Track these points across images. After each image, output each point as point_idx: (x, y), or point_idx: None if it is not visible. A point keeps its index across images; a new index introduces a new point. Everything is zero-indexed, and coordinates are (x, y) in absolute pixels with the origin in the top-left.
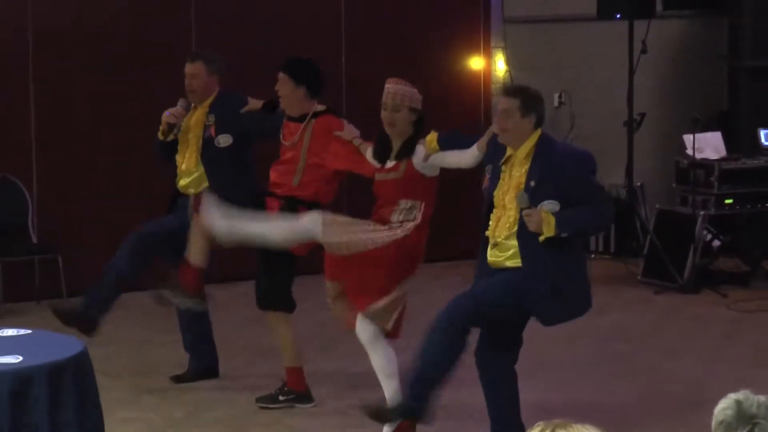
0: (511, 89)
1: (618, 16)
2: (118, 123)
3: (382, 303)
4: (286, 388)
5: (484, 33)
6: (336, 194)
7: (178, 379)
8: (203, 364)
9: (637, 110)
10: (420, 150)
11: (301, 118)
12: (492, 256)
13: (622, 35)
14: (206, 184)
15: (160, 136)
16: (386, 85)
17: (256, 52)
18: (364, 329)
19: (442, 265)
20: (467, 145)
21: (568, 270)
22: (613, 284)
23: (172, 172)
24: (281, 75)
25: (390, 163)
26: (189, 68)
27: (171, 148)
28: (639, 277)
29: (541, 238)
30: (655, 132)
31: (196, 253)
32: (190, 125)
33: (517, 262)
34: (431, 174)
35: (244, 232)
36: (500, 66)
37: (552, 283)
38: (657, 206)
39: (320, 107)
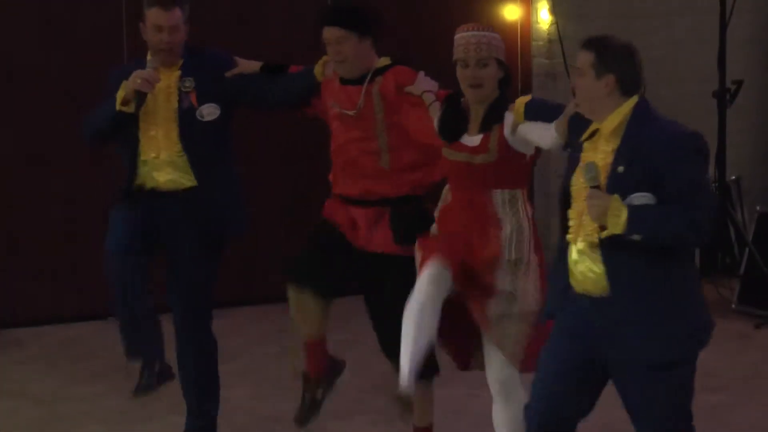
0: (588, 40)
1: None
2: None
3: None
4: None
5: None
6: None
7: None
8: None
9: (731, 76)
10: (508, 118)
11: (359, 79)
12: (579, 264)
13: None
14: (189, 177)
15: (120, 107)
16: (460, 35)
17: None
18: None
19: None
20: (555, 118)
21: (669, 293)
22: None
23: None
24: (336, 31)
25: (472, 140)
26: (166, 18)
27: (120, 126)
28: (734, 305)
29: (604, 234)
30: (756, 107)
31: (308, 324)
32: (156, 96)
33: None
34: (530, 152)
35: None
36: (543, 16)
37: (645, 312)
38: (758, 208)
39: (384, 60)
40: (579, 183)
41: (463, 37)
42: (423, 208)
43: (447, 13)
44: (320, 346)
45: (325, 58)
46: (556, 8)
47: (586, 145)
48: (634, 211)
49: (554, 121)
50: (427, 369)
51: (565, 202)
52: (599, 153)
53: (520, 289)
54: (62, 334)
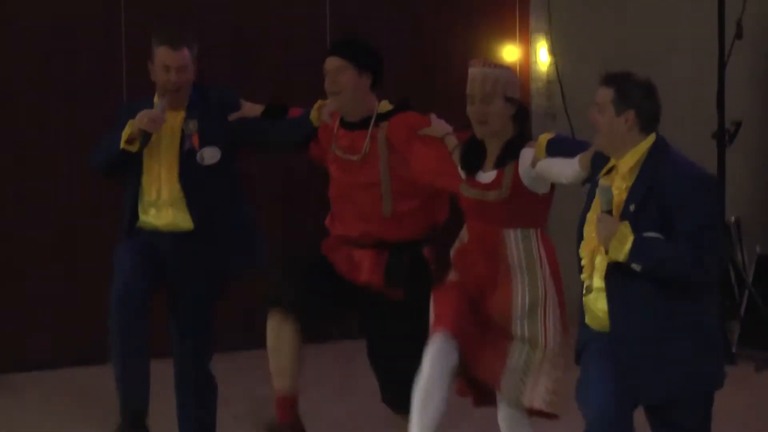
0: (608, 76)
1: None
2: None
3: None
4: None
5: (521, 11)
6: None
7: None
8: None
9: (729, 117)
10: (527, 155)
11: (362, 123)
12: (599, 302)
13: (710, 14)
14: (186, 218)
15: (125, 146)
16: (470, 69)
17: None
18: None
19: None
20: (576, 153)
21: (679, 328)
22: None
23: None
24: (336, 61)
25: (487, 176)
26: (174, 58)
27: (124, 164)
28: (734, 348)
29: (607, 259)
30: (755, 147)
31: (282, 376)
32: (162, 135)
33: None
34: (543, 190)
35: None
36: (543, 56)
37: (649, 348)
38: (758, 250)
39: (385, 104)
40: (592, 220)
41: (471, 72)
42: (419, 256)
43: (447, 53)
44: (292, 402)
45: (320, 102)
46: (555, 49)
47: (602, 180)
48: (640, 241)
49: (579, 155)
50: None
51: (580, 238)
52: (614, 189)
53: (539, 333)
54: (59, 379)
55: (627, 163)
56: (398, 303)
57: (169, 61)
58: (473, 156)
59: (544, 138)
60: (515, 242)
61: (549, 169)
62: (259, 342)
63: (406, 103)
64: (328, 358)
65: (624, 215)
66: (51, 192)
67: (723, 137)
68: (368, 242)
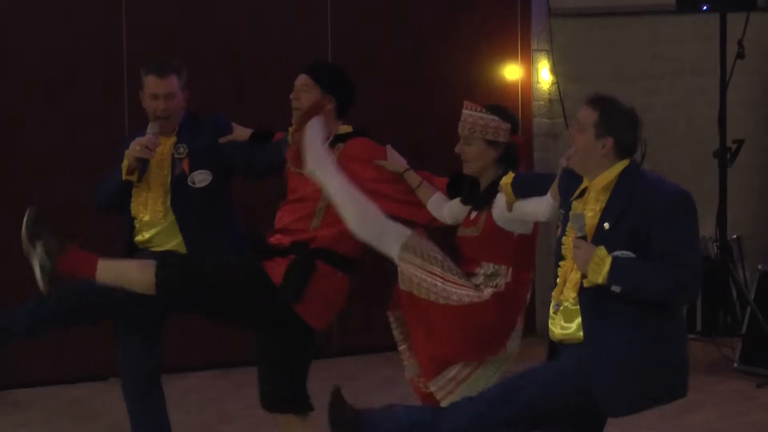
0: (594, 98)
1: (705, 8)
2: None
3: (448, 375)
4: None
5: (523, 31)
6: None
7: None
8: None
9: (731, 136)
10: (499, 200)
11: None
12: (556, 326)
13: (711, 34)
14: (177, 239)
15: (126, 177)
16: (462, 110)
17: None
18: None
19: None
20: (547, 187)
21: (651, 343)
22: (702, 374)
23: (122, 223)
24: (305, 79)
25: (471, 215)
26: (159, 86)
27: (127, 193)
28: (736, 365)
29: (585, 283)
30: (757, 166)
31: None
32: (150, 162)
33: None
34: (518, 230)
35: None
36: (544, 76)
37: (623, 363)
38: (760, 267)
39: (345, 128)
40: (568, 242)
41: (462, 112)
42: (308, 264)
43: (449, 73)
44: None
45: (294, 125)
46: (556, 68)
47: (575, 204)
48: (618, 263)
49: (550, 189)
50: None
51: (557, 260)
52: (588, 211)
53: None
54: (63, 396)
55: (599, 183)
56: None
57: (157, 89)
58: (469, 192)
59: (506, 181)
60: (484, 277)
61: (524, 210)
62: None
63: (364, 130)
64: (329, 375)
65: (597, 235)
66: (54, 208)
67: (724, 156)
68: (295, 244)
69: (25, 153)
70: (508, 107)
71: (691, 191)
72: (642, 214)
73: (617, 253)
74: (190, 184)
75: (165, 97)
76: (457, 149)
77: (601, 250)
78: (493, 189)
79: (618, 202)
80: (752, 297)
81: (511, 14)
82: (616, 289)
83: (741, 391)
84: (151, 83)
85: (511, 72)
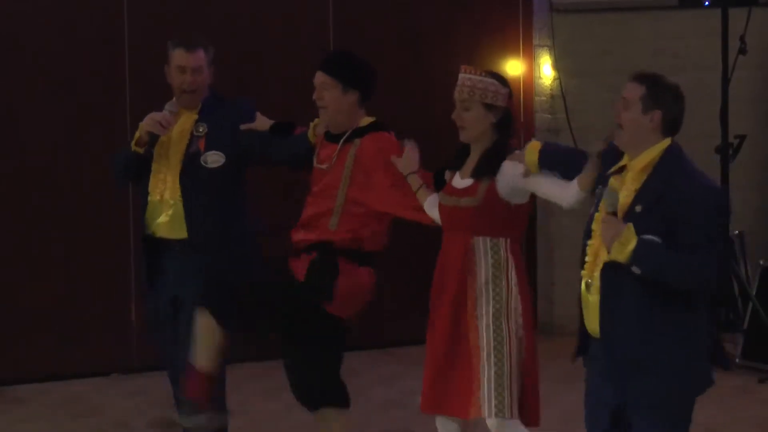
0: (640, 74)
1: (707, 3)
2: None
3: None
4: None
5: (524, 27)
6: (387, 238)
7: None
8: None
9: (733, 131)
10: (509, 168)
11: (341, 136)
12: (589, 310)
13: (713, 30)
14: (183, 231)
15: (134, 147)
16: (459, 75)
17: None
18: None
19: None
20: (576, 167)
21: (669, 331)
22: None
23: (136, 208)
24: (323, 77)
25: (464, 182)
26: (189, 59)
27: (143, 166)
28: (738, 360)
29: (606, 258)
30: (758, 161)
31: (202, 354)
32: (172, 137)
33: None
34: (520, 201)
35: None
36: (546, 71)
37: (637, 349)
38: (761, 263)
39: (366, 119)
40: (599, 219)
41: (459, 77)
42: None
43: (450, 68)
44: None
45: (316, 120)
46: (558, 64)
47: (611, 180)
48: (643, 244)
49: (577, 177)
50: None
51: (587, 236)
52: (624, 190)
53: (504, 341)
54: (64, 391)
55: (639, 163)
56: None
57: (184, 62)
58: (458, 157)
59: (533, 149)
60: (484, 252)
61: (542, 188)
62: (260, 355)
63: (381, 124)
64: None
65: (628, 216)
66: (55, 205)
67: (726, 151)
68: (316, 244)
69: (26, 152)
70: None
71: None
72: (676, 204)
73: (644, 237)
74: (202, 162)
75: (192, 71)
76: (454, 116)
77: (629, 229)
78: (494, 156)
79: (655, 186)
80: (754, 292)
81: (513, 10)
82: (636, 270)
83: (742, 386)
84: (179, 56)
85: (513, 67)
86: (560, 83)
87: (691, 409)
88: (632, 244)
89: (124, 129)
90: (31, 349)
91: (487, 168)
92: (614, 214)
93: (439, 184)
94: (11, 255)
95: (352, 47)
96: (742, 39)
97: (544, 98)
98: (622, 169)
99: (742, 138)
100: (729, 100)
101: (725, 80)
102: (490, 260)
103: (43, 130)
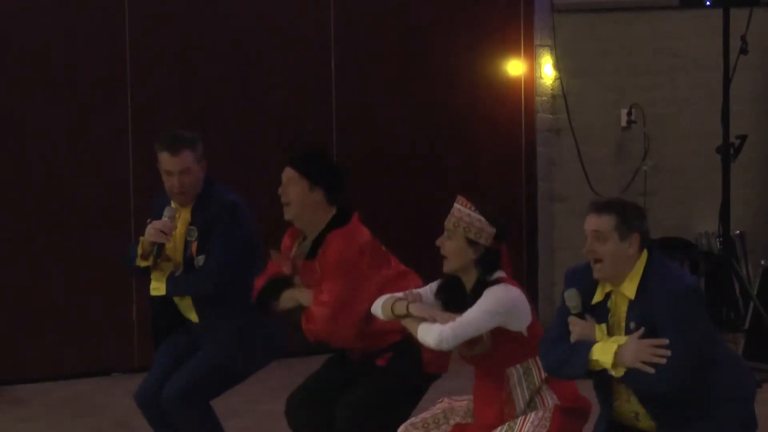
0: (600, 204)
1: (708, 3)
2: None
3: None
4: None
5: (526, 27)
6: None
7: None
8: None
9: (734, 132)
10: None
11: (313, 249)
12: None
13: (714, 30)
14: (195, 317)
15: (141, 263)
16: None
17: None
18: None
19: None
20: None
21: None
22: None
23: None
24: (291, 173)
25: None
26: (173, 163)
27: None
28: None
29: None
30: (760, 162)
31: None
32: (175, 241)
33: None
34: (525, 324)
35: None
36: (547, 71)
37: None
38: (763, 263)
39: (328, 215)
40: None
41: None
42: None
43: (451, 69)
44: None
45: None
46: (559, 64)
47: (598, 309)
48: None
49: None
50: None
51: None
52: (618, 313)
53: None
54: (64, 391)
55: (630, 288)
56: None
57: (170, 167)
58: (451, 295)
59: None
60: (518, 380)
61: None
62: None
63: (348, 210)
64: None
65: (627, 333)
66: (55, 205)
67: (728, 151)
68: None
69: (26, 152)
70: (499, 216)
71: (694, 187)
72: (655, 312)
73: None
74: (196, 266)
75: (179, 173)
76: (438, 242)
77: (601, 330)
78: (478, 295)
79: (641, 302)
80: (755, 292)
81: (514, 10)
82: (617, 374)
83: None
84: (164, 160)
85: (514, 67)
86: (561, 83)
87: None
88: (612, 352)
89: (124, 129)
90: (32, 349)
91: (470, 305)
92: (579, 315)
93: (445, 287)
94: (12, 255)
95: (353, 47)
96: (743, 39)
97: (545, 98)
98: (608, 296)
99: (743, 138)
100: (730, 100)
101: (726, 80)
102: (525, 384)
103: (44, 130)
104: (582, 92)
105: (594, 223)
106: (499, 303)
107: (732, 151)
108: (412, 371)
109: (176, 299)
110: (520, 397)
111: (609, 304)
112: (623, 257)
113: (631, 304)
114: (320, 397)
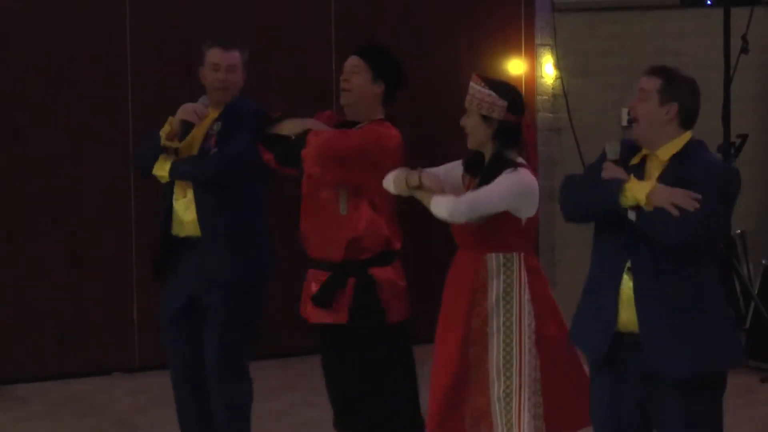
0: (656, 67)
1: (709, 2)
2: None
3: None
4: None
5: (526, 26)
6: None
7: None
8: None
9: (735, 131)
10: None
11: (349, 125)
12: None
13: (715, 29)
14: (197, 228)
15: (165, 142)
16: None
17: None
18: None
19: None
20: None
21: (703, 306)
22: None
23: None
24: (356, 61)
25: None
26: (224, 57)
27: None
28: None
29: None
30: (760, 160)
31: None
32: (196, 136)
33: None
34: (529, 214)
35: None
36: (548, 70)
37: (676, 323)
38: (763, 262)
39: (380, 115)
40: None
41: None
42: (365, 278)
43: (453, 68)
44: None
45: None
46: (560, 63)
47: (634, 170)
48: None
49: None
50: None
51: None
52: (646, 179)
53: (514, 359)
54: (66, 390)
55: (665, 154)
56: (344, 328)
57: (219, 59)
58: (472, 164)
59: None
60: (496, 269)
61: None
62: (262, 353)
63: (392, 116)
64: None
65: None
66: (56, 204)
67: (728, 151)
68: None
69: (26, 151)
70: (515, 87)
71: None
72: (690, 174)
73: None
74: None
75: (226, 69)
76: (461, 122)
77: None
78: (493, 168)
79: (674, 174)
80: (756, 292)
81: (515, 9)
82: (631, 216)
83: (744, 385)
84: (214, 54)
85: (515, 67)
86: (562, 82)
87: (722, 392)
88: (646, 191)
89: (125, 128)
90: (33, 348)
91: (487, 178)
92: (615, 162)
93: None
94: (12, 254)
95: (354, 46)
96: (744, 38)
97: (546, 97)
98: (643, 160)
99: (744, 137)
100: (731, 100)
101: (727, 79)
102: (501, 277)
103: (44, 130)
104: (583, 91)
105: (642, 81)
106: (516, 186)
107: (733, 151)
108: (374, 313)
109: (181, 216)
110: (494, 286)
111: (644, 168)
112: (658, 122)
113: (666, 168)
114: (347, 408)
